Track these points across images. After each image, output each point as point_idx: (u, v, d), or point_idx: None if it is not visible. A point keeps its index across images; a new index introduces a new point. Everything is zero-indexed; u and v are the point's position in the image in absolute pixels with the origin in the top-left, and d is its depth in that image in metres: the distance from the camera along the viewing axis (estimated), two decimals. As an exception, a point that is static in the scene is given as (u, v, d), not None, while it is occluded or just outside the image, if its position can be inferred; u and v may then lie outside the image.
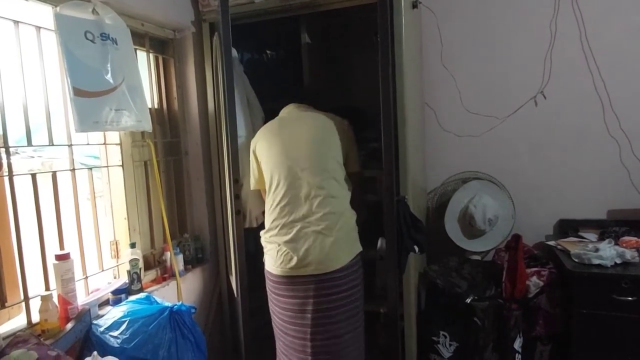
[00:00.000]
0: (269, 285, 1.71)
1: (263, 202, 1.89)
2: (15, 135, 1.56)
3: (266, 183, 1.74)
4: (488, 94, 2.40)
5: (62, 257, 1.52)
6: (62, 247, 1.65)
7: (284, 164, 1.67)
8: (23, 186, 1.54)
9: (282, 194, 1.65)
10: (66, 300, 1.51)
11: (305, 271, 1.57)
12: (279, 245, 1.63)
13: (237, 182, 1.70)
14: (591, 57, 2.23)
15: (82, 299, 1.63)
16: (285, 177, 1.65)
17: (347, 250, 1.60)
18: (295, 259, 1.57)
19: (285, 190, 1.65)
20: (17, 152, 1.68)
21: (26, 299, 1.50)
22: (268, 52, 2.61)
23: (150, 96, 2.11)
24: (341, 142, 1.70)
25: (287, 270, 1.60)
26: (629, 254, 1.79)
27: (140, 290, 1.86)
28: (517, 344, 1.90)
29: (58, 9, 1.58)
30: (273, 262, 1.65)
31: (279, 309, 1.67)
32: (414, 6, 2.05)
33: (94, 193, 1.85)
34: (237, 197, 1.72)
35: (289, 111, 1.83)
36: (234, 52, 2.03)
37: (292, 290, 1.61)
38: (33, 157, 2.19)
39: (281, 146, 1.69)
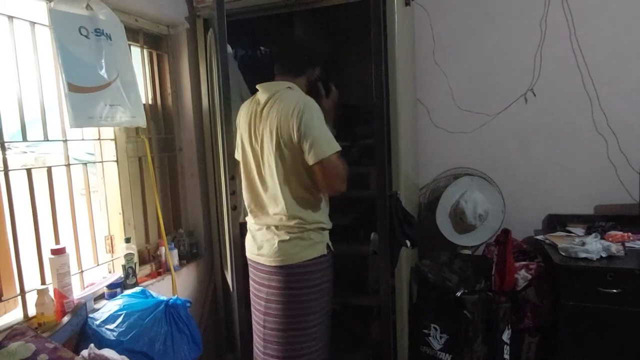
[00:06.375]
0: None
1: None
2: (10, 131, 1.57)
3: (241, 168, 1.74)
4: (479, 91, 2.44)
5: (58, 252, 1.53)
6: (57, 242, 1.66)
7: (250, 159, 1.65)
8: (17, 181, 1.55)
9: (250, 187, 1.68)
10: (62, 294, 1.53)
11: (260, 259, 1.64)
12: (250, 231, 1.73)
13: (233, 178, 1.71)
14: (580, 56, 2.27)
15: (77, 293, 1.65)
16: (249, 174, 1.67)
17: (294, 253, 1.57)
18: (255, 247, 1.67)
19: (252, 184, 1.67)
20: (9, 148, 1.68)
21: (22, 292, 1.51)
22: (262, 48, 2.62)
23: (144, 92, 2.12)
24: (295, 136, 1.47)
25: (250, 255, 1.70)
26: (614, 248, 1.84)
27: (135, 284, 1.88)
28: (506, 336, 1.95)
29: (52, 4, 1.58)
30: (247, 246, 1.74)
31: (250, 293, 1.74)
32: (407, 4, 2.08)
33: (89, 188, 1.86)
34: (233, 193, 1.74)
35: (260, 94, 1.64)
36: (229, 48, 2.04)
37: (254, 275, 1.70)
38: (26, 152, 2.19)
39: (248, 137, 1.64)
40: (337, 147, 1.49)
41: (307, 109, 1.47)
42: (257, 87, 1.67)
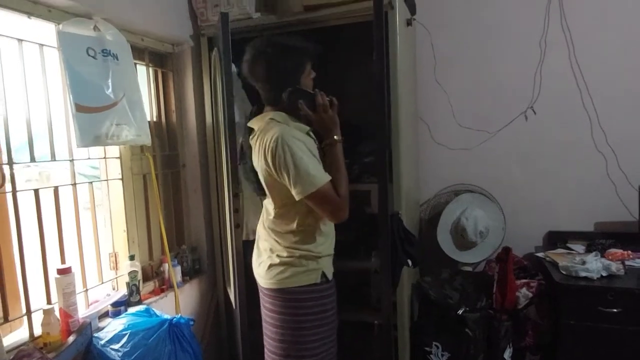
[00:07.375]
0: None
1: (258, 216, 1.92)
2: (15, 144, 1.57)
3: None
4: (480, 109, 2.47)
5: (64, 271, 1.54)
6: (63, 261, 1.67)
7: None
8: (23, 199, 1.56)
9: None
10: (68, 313, 1.53)
11: (258, 278, 1.63)
12: (255, 247, 1.71)
13: (237, 196, 1.73)
14: (579, 74, 2.31)
15: (82, 312, 1.65)
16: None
17: (283, 278, 1.52)
18: (255, 265, 1.66)
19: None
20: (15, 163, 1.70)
21: (28, 312, 1.52)
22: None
23: (149, 109, 2.14)
24: (274, 174, 1.43)
25: (254, 272, 1.67)
26: (615, 267, 1.86)
27: (139, 302, 1.89)
28: (507, 354, 1.96)
29: (61, 26, 1.61)
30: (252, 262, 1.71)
31: None
32: (409, 24, 2.11)
33: (94, 205, 1.87)
34: (236, 210, 1.76)
35: (255, 127, 1.56)
36: (233, 67, 2.06)
37: (259, 292, 1.66)
38: (30, 166, 2.20)
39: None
40: (319, 181, 1.38)
41: (278, 146, 1.37)
42: (248, 125, 1.60)
